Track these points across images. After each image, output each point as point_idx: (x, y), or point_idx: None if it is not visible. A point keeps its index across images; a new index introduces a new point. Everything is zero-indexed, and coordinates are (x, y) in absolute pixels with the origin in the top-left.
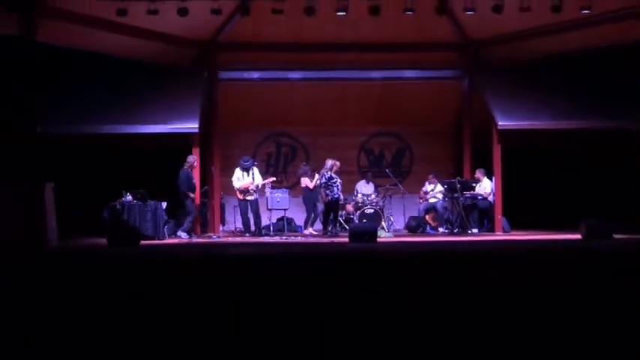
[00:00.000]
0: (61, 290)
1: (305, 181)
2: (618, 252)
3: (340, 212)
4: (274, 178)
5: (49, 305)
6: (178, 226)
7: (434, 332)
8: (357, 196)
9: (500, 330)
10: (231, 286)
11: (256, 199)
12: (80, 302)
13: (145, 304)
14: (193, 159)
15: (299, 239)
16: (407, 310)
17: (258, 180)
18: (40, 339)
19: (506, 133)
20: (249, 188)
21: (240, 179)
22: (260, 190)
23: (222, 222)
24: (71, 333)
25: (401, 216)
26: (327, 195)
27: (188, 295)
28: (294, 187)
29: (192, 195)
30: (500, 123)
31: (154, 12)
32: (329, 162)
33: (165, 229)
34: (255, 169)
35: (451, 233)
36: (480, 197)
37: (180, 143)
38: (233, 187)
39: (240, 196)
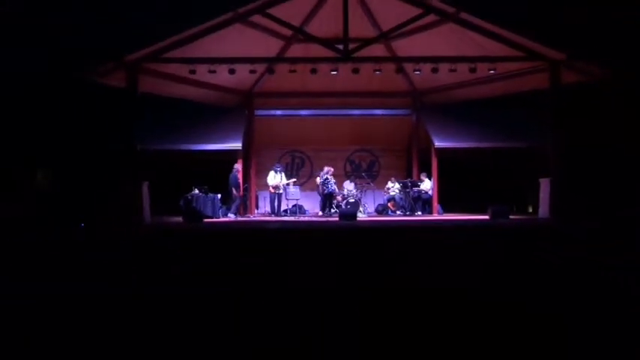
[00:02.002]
0: (77, 290)
1: (316, 181)
2: (513, 227)
3: (333, 201)
4: (295, 180)
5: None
6: (228, 209)
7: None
8: (344, 190)
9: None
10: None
11: (281, 193)
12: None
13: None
14: (238, 166)
15: (307, 218)
16: (373, 252)
17: (284, 180)
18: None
19: (440, 150)
20: (279, 185)
21: (272, 179)
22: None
23: (257, 207)
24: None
25: (372, 203)
26: (324, 190)
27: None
28: (303, 184)
29: (235, 190)
30: (436, 144)
31: (213, 71)
32: (325, 168)
33: (220, 212)
34: (283, 173)
35: (404, 215)
36: (423, 192)
37: (230, 156)
38: (267, 183)
39: (272, 190)
